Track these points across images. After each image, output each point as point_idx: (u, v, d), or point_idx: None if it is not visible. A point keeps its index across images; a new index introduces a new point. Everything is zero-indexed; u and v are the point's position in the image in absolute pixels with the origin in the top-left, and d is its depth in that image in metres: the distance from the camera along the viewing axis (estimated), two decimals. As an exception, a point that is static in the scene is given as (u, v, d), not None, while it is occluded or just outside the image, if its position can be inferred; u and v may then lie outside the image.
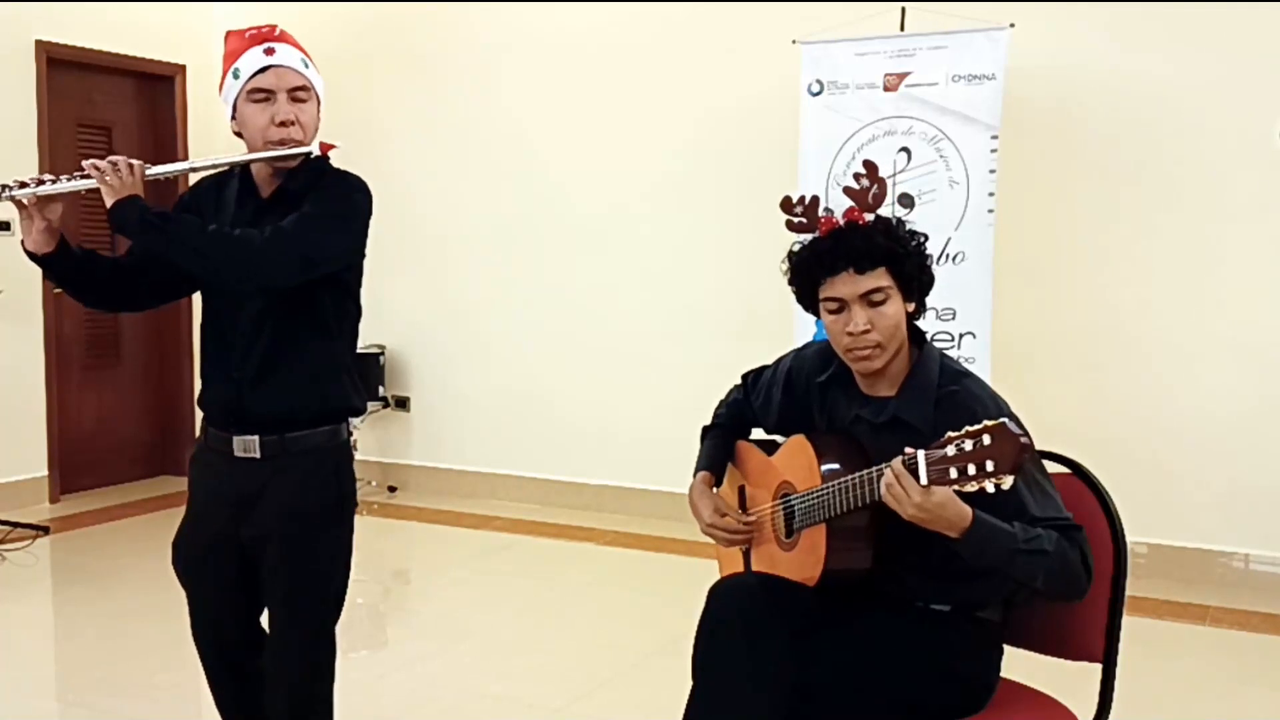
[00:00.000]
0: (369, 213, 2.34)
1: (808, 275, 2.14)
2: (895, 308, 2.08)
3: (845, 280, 2.07)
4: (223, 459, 2.36)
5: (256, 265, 2.17)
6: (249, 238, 2.17)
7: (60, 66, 6.02)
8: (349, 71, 6.43)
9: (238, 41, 2.28)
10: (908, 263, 2.08)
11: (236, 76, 2.26)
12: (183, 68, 6.56)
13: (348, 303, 2.39)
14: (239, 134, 2.31)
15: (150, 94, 6.58)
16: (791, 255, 2.17)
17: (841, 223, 2.10)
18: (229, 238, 2.17)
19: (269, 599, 2.37)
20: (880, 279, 2.06)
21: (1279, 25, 4.52)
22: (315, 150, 2.25)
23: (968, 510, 1.85)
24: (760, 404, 2.42)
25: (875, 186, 2.08)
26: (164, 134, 6.55)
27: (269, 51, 2.24)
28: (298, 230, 2.18)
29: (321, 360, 2.33)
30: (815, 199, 2.15)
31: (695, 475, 2.42)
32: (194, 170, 2.36)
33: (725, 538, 2.35)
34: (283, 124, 2.24)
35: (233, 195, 2.34)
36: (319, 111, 2.33)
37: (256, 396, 2.30)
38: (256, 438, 2.30)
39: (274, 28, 2.29)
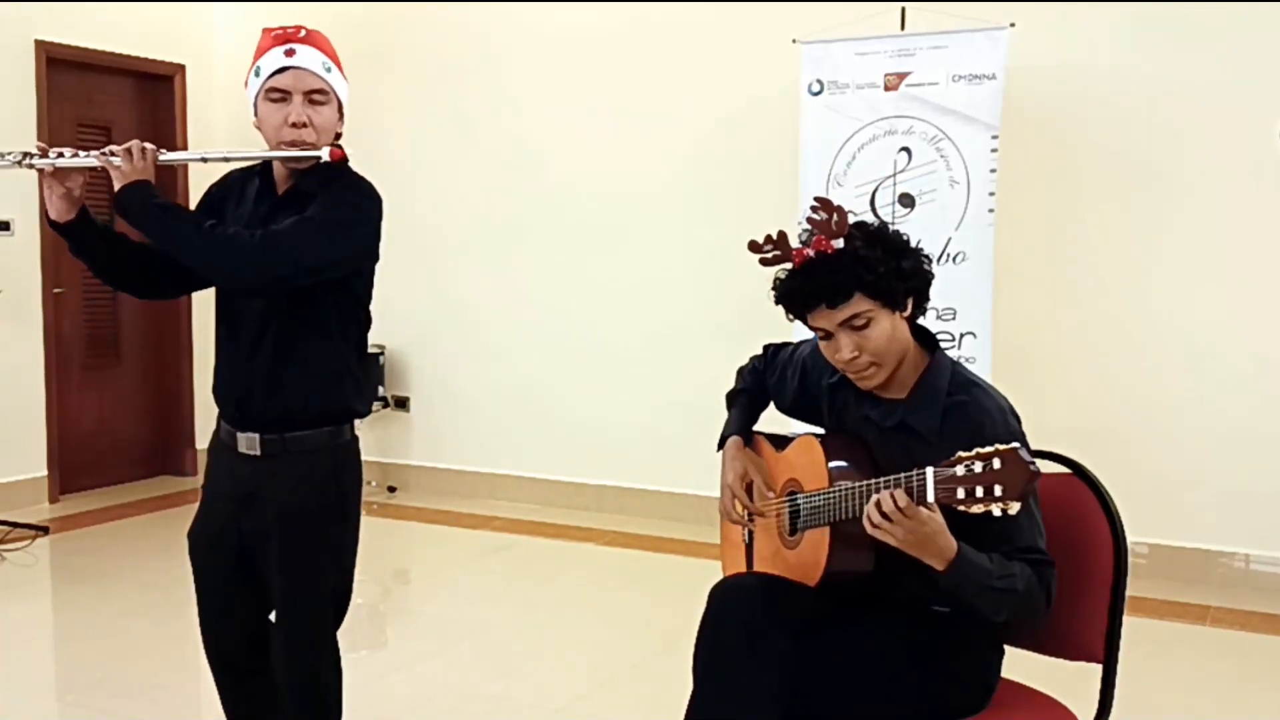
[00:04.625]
0: (377, 220, 2.32)
1: (789, 311, 2.15)
2: (881, 327, 2.06)
3: (822, 314, 2.07)
4: (230, 454, 2.39)
5: (244, 266, 2.17)
6: (240, 239, 2.17)
7: (60, 66, 6.03)
8: (350, 70, 6.42)
9: (265, 39, 2.30)
10: (881, 283, 2.04)
11: (258, 75, 2.28)
12: (182, 68, 6.56)
13: (354, 309, 2.37)
14: (259, 129, 2.33)
15: (150, 94, 6.58)
16: (775, 288, 2.17)
17: (811, 253, 2.08)
18: (221, 236, 2.17)
19: (272, 597, 2.39)
20: (857, 305, 2.04)
21: (1279, 25, 4.52)
22: (325, 156, 2.23)
23: (953, 542, 1.87)
24: (775, 382, 2.43)
25: (833, 215, 2.07)
26: (164, 134, 6.53)
27: (289, 53, 2.26)
28: (292, 234, 2.17)
29: (324, 363, 2.33)
30: (782, 234, 2.14)
31: (727, 438, 2.40)
32: (205, 160, 2.36)
33: (733, 507, 2.32)
34: (295, 125, 2.25)
35: (254, 191, 2.36)
36: (340, 116, 2.34)
37: (261, 393, 2.31)
38: (258, 435, 2.32)
39: (300, 29, 2.30)
